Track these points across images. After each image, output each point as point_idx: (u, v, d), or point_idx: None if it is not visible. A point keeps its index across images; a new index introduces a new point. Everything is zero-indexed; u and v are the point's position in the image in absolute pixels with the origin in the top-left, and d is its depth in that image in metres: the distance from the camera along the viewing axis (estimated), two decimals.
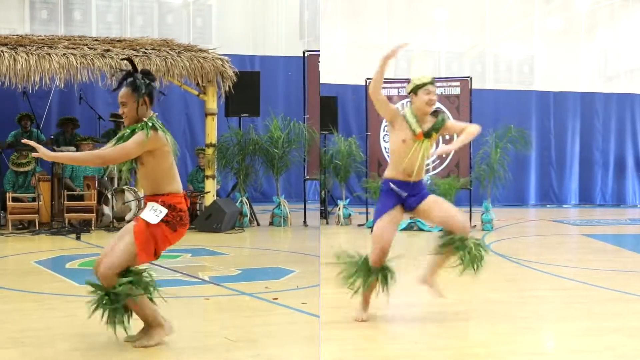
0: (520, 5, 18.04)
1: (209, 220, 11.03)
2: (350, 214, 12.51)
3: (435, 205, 5.28)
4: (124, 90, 4.51)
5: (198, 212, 11.66)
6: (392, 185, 5.21)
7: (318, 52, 12.93)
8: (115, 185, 11.77)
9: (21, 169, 11.27)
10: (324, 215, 12.95)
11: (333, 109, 13.13)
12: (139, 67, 4.67)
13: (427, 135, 5.18)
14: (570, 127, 18.60)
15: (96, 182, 11.31)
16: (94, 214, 11.05)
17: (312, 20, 16.93)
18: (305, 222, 12.26)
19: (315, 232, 11.48)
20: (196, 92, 12.19)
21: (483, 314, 5.62)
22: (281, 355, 4.54)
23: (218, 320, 5.35)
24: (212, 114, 12.04)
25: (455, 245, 5.23)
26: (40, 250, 9.02)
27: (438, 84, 12.35)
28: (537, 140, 17.74)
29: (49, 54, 10.78)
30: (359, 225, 12.22)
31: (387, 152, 12.49)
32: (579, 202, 18.60)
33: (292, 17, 17.21)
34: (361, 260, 5.22)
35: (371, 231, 5.28)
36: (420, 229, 11.45)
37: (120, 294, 4.38)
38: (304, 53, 12.80)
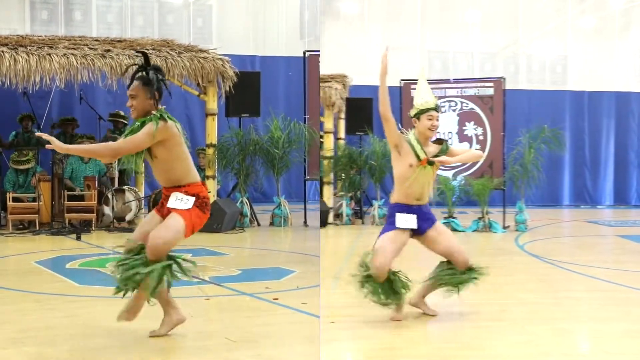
0: (554, 5, 17.94)
1: (209, 220, 10.95)
2: (385, 214, 12.51)
3: (441, 237, 5.32)
4: (135, 83, 4.56)
5: None
6: (398, 219, 5.25)
7: (318, 52, 12.95)
8: (116, 185, 11.78)
9: (21, 167, 11.27)
10: (360, 215, 13.03)
11: (368, 110, 13.27)
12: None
13: (430, 162, 5.24)
14: (605, 127, 18.42)
15: (96, 182, 11.31)
16: (94, 214, 11.05)
17: (313, 20, 16.93)
18: (305, 222, 12.26)
19: (315, 232, 11.48)
20: (196, 93, 12.19)
21: (517, 314, 5.59)
22: (281, 355, 4.54)
23: (218, 321, 5.35)
24: (213, 114, 12.04)
25: (456, 280, 5.31)
26: (40, 251, 9.01)
27: (471, 84, 12.94)
28: (571, 141, 17.54)
29: (49, 54, 10.78)
30: None
31: None
32: (614, 203, 18.42)
33: (293, 17, 17.22)
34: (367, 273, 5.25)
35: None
36: (455, 229, 11.50)
37: (155, 273, 4.44)
38: (304, 53, 12.82)
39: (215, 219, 11.02)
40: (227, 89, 11.84)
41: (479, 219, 11.71)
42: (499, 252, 9.57)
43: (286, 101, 15.93)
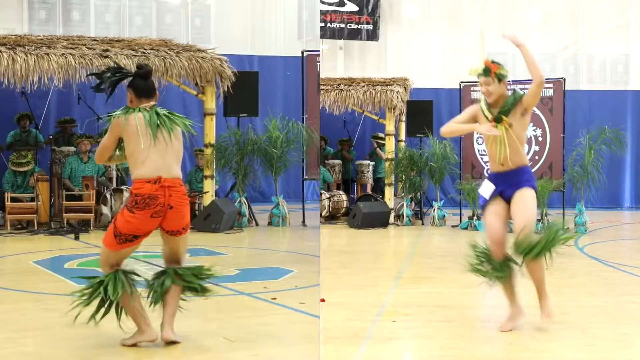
0: (616, 3, 17.69)
1: (207, 220, 11.03)
2: (444, 215, 12.61)
3: (517, 202, 5.06)
4: None
5: (197, 212, 11.66)
6: (482, 186, 5.21)
7: (317, 52, 12.95)
8: (114, 184, 11.77)
9: (20, 169, 11.26)
10: (420, 216, 13.09)
11: (429, 112, 13.36)
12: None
13: (497, 120, 5.06)
14: None
15: (95, 182, 11.31)
16: (93, 214, 11.03)
17: (311, 19, 16.93)
18: (303, 222, 12.26)
19: (313, 232, 11.48)
20: (195, 92, 12.19)
21: (579, 318, 5.54)
22: (280, 355, 4.54)
23: (217, 320, 5.35)
24: (211, 114, 12.04)
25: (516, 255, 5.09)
26: (38, 250, 9.01)
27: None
28: (633, 141, 17.06)
29: (47, 54, 10.77)
30: (453, 226, 12.37)
31: (480, 155, 12.73)
32: None
33: (291, 17, 17.22)
34: (488, 251, 5.15)
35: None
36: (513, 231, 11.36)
37: (102, 287, 4.54)
38: (302, 53, 12.82)
39: (214, 218, 11.03)
40: (226, 88, 11.84)
41: (538, 220, 11.55)
42: (559, 254, 9.46)
43: (284, 101, 15.93)
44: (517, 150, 5.10)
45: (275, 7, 17.34)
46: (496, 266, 5.08)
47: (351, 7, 17.31)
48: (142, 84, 4.69)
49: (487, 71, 5.06)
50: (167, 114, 4.68)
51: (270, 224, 12.10)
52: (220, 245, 9.62)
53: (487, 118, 5.11)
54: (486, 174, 11.86)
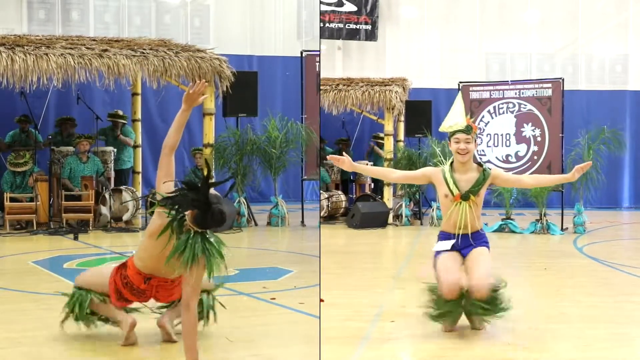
0: (614, 3, 17.69)
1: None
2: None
3: (471, 259, 4.96)
4: None
5: None
6: (440, 246, 5.02)
7: (316, 52, 12.95)
8: (113, 184, 11.77)
9: (19, 169, 11.26)
10: (418, 216, 13.10)
11: (427, 112, 13.39)
12: None
13: (465, 197, 4.92)
14: None
15: (94, 182, 11.30)
16: (92, 214, 11.04)
17: (310, 19, 16.94)
18: (302, 222, 12.26)
19: (313, 232, 11.49)
20: None
21: (577, 318, 5.53)
22: (280, 355, 4.54)
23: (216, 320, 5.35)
24: (210, 114, 12.04)
25: (467, 310, 4.96)
26: (37, 251, 9.01)
27: (529, 85, 12.87)
28: (632, 141, 17.03)
29: (46, 54, 10.77)
30: None
31: (479, 154, 12.65)
32: None
33: (290, 17, 17.23)
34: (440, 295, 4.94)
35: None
36: (512, 231, 11.50)
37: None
38: (301, 53, 12.82)
39: None
40: (225, 88, 11.84)
41: (537, 220, 11.59)
42: (557, 254, 9.47)
43: (283, 101, 15.93)
44: (478, 217, 5.02)
45: (275, 7, 17.35)
46: (449, 308, 4.91)
47: (350, 7, 17.34)
48: (208, 225, 4.15)
49: (469, 129, 4.96)
50: (210, 243, 4.14)
51: (269, 224, 12.10)
52: None
53: (449, 188, 4.95)
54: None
